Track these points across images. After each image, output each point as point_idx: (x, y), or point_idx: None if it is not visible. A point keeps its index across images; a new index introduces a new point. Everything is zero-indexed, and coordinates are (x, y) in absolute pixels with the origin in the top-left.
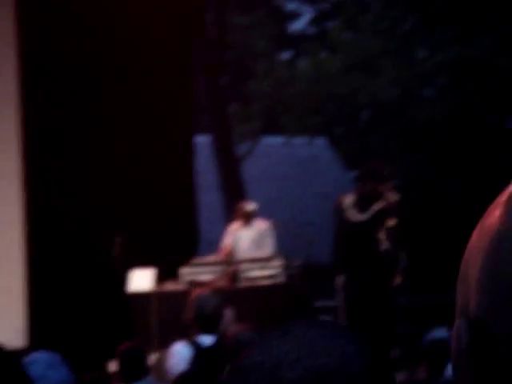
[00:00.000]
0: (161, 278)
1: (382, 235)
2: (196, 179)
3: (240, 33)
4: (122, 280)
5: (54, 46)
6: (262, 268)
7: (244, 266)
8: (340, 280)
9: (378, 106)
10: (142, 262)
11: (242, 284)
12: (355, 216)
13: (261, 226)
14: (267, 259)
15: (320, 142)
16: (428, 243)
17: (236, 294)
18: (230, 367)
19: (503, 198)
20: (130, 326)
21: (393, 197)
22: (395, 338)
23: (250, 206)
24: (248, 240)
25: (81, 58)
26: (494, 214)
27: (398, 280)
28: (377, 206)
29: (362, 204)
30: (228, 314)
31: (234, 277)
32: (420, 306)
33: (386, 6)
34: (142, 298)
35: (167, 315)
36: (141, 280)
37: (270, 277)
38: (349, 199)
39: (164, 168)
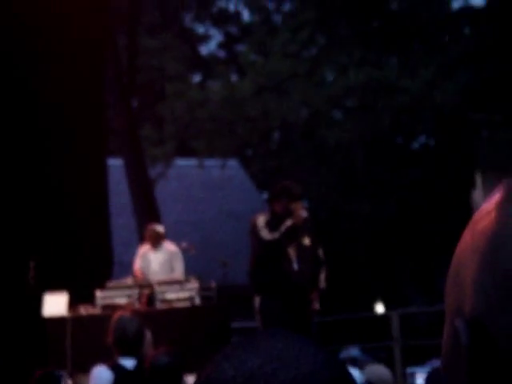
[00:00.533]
0: (75, 302)
1: (294, 254)
2: (108, 202)
3: (151, 55)
4: (35, 305)
5: None
6: (178, 290)
7: (159, 289)
8: (256, 302)
9: (288, 128)
10: (56, 286)
11: (158, 306)
12: (267, 235)
13: (170, 248)
14: (182, 281)
15: (232, 164)
16: (335, 264)
17: (153, 316)
18: (200, 382)
19: (496, 199)
20: (44, 352)
21: (302, 214)
22: None
23: (159, 228)
24: (158, 262)
25: None
26: (490, 216)
27: (315, 304)
28: (286, 224)
29: (273, 223)
30: (148, 336)
31: (149, 299)
32: (330, 325)
33: (294, 30)
34: (56, 322)
35: (82, 339)
36: (54, 304)
37: (186, 299)
38: (261, 219)
39: (76, 190)
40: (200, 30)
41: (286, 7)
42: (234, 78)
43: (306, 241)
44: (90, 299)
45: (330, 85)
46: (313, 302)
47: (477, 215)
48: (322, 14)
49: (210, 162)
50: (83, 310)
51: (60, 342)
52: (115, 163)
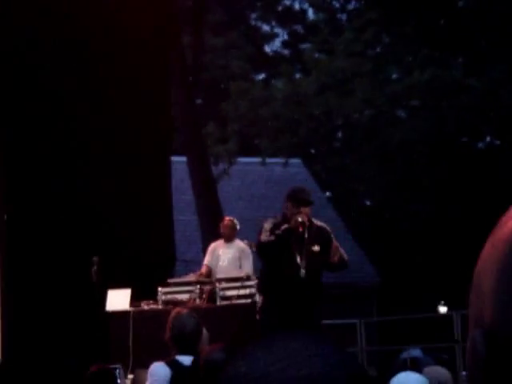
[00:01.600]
0: (137, 298)
1: (301, 260)
2: (172, 199)
3: (216, 54)
4: (99, 300)
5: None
6: (238, 287)
7: (221, 286)
8: (260, 301)
9: (351, 127)
10: (119, 282)
11: (219, 303)
12: (263, 237)
13: (241, 245)
14: (244, 278)
15: (295, 162)
16: (399, 262)
17: (213, 313)
18: (217, 379)
19: None
20: (107, 347)
21: (299, 219)
22: None
23: (235, 221)
24: (227, 258)
25: (55, 83)
26: (507, 226)
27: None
28: (281, 228)
29: (275, 228)
30: (204, 333)
31: (210, 296)
32: (392, 325)
33: (358, 28)
34: (119, 317)
35: (144, 335)
36: (118, 300)
37: (247, 296)
38: (270, 222)
39: (140, 188)
40: (265, 28)
41: (351, 6)
42: (297, 76)
43: (315, 248)
44: (153, 296)
45: (394, 84)
46: (333, 256)
47: (497, 226)
48: (387, 12)
49: (272, 160)
50: (145, 306)
51: (122, 337)
52: (179, 161)
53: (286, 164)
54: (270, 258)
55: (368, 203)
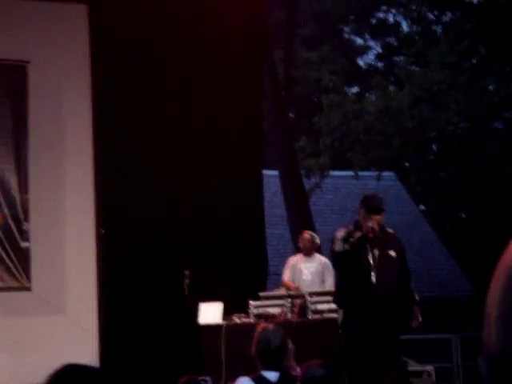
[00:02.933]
0: (229, 312)
1: (375, 266)
2: (264, 212)
3: (308, 68)
4: (191, 313)
5: (127, 60)
6: (329, 301)
7: (312, 299)
8: (340, 316)
9: (445, 140)
10: (211, 296)
11: (310, 317)
12: (337, 247)
13: (322, 259)
14: (334, 292)
15: (388, 175)
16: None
17: (304, 327)
18: None
19: None
20: (199, 359)
21: (369, 224)
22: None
23: (314, 235)
24: (309, 273)
25: (149, 92)
26: (509, 251)
27: (416, 320)
28: (355, 236)
29: (349, 236)
30: (291, 348)
31: (302, 310)
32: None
33: (453, 40)
34: (211, 330)
35: (236, 347)
36: (210, 313)
37: (338, 310)
38: (342, 232)
39: (232, 201)
40: (359, 41)
41: (447, 17)
42: (391, 89)
43: (391, 253)
44: (244, 309)
45: (490, 95)
46: (414, 319)
47: (505, 250)
48: (483, 23)
49: (365, 174)
50: (237, 319)
51: (215, 350)
52: (272, 174)
53: (378, 177)
54: (345, 268)
55: (463, 216)
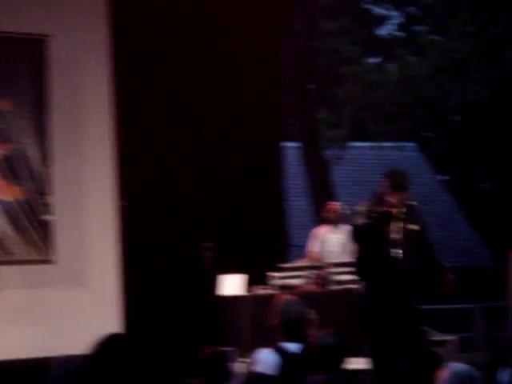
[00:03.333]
0: (250, 283)
1: (398, 240)
2: (285, 185)
3: (328, 39)
4: (212, 285)
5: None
6: (351, 272)
7: (334, 270)
8: (361, 287)
9: (467, 109)
10: (232, 267)
11: (332, 288)
12: (360, 220)
13: (348, 229)
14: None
15: (409, 146)
16: None
17: (325, 297)
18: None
19: None
20: (221, 331)
21: (392, 200)
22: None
23: (341, 206)
24: (337, 243)
25: (168, 67)
26: None
27: (450, 285)
28: (378, 210)
29: (371, 211)
30: (313, 318)
31: (323, 281)
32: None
33: (475, 9)
34: (234, 302)
35: (258, 319)
36: (231, 285)
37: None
38: (363, 206)
39: (253, 174)
40: (379, 11)
41: None
42: (412, 59)
43: (414, 227)
44: (265, 281)
45: (511, 64)
46: (448, 285)
47: None
48: None
49: (386, 144)
50: (259, 291)
51: (237, 322)
52: (292, 146)
53: (399, 148)
54: (367, 242)
55: (484, 186)
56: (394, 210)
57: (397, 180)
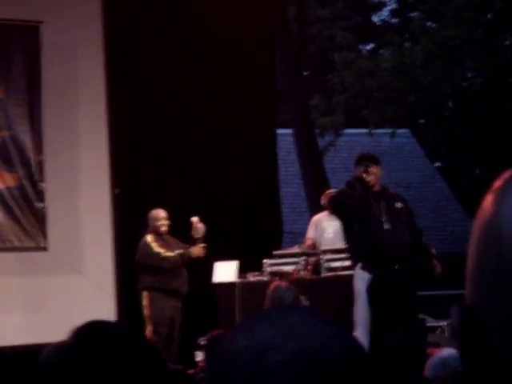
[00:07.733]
0: (244, 270)
1: (386, 217)
2: (278, 171)
3: (322, 26)
4: (206, 271)
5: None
6: (343, 259)
7: (326, 257)
8: (356, 270)
9: (461, 96)
10: (226, 254)
11: (324, 274)
12: (344, 200)
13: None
14: (347, 250)
15: (403, 133)
16: None
17: (317, 284)
18: (214, 353)
19: (495, 185)
20: (214, 317)
21: (363, 175)
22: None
23: None
24: (333, 230)
25: (160, 54)
26: (485, 203)
27: (437, 267)
28: (357, 187)
29: (351, 190)
30: (304, 304)
31: (315, 267)
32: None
33: None
34: (226, 289)
35: (251, 306)
36: (225, 271)
37: (351, 267)
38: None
39: (247, 160)
40: None
41: None
42: (406, 45)
43: (398, 205)
44: (259, 268)
45: (506, 50)
46: (435, 271)
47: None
48: None
49: (379, 131)
50: (252, 278)
51: (229, 308)
52: (285, 133)
53: (393, 134)
54: (356, 220)
55: (478, 172)
56: (374, 189)
57: (359, 157)
